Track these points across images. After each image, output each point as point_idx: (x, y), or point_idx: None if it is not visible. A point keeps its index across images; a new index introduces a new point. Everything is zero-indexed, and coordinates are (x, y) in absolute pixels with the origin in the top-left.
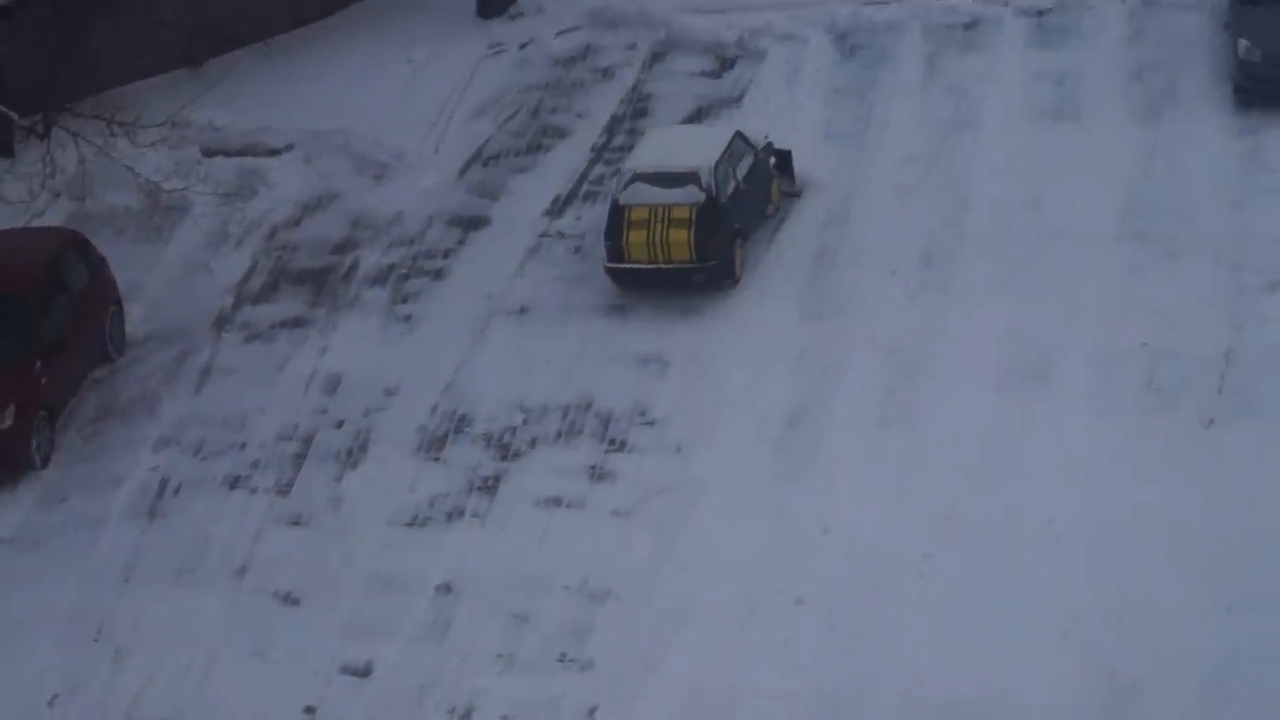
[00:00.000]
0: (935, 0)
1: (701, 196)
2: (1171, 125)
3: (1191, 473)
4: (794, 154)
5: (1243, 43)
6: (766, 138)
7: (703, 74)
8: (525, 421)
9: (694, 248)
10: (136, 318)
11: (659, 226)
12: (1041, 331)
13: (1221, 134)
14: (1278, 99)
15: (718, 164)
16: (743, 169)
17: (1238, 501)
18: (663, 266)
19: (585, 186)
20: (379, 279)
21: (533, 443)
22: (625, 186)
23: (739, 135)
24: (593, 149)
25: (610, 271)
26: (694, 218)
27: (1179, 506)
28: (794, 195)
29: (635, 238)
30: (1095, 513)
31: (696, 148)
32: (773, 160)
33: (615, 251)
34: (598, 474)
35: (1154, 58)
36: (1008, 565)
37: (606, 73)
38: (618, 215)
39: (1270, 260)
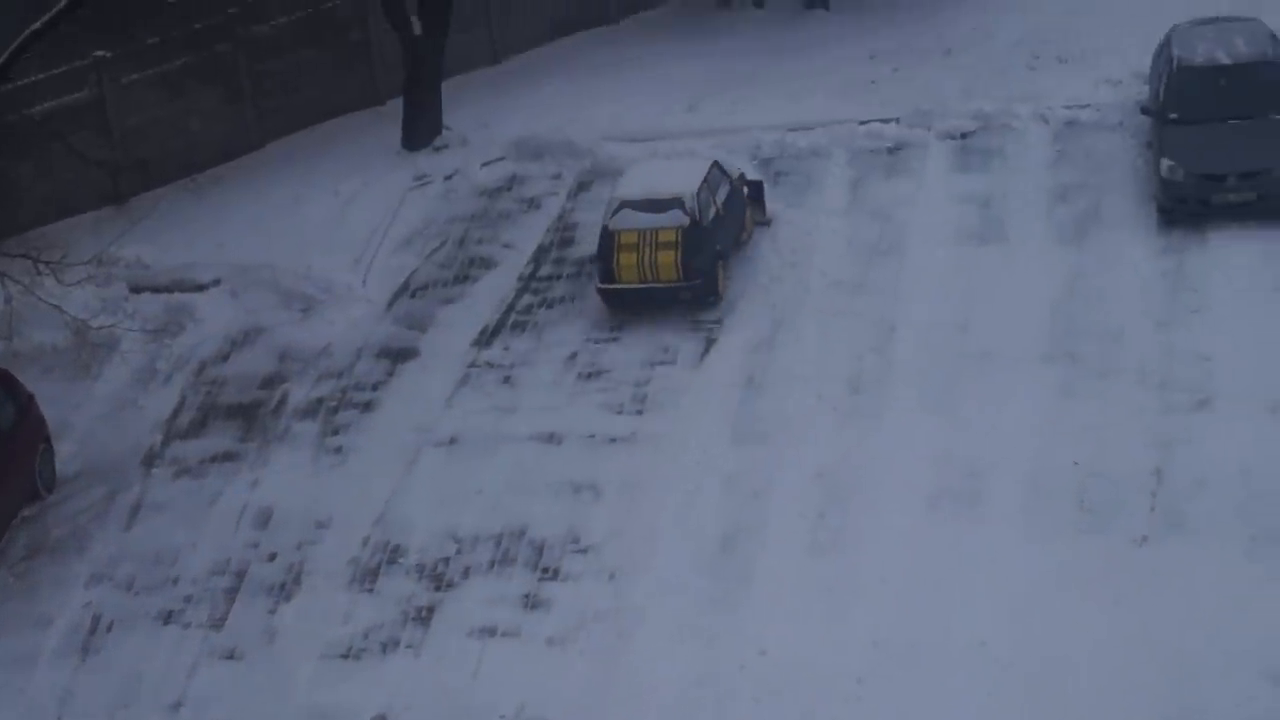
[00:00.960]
0: (859, 125)
1: (686, 220)
2: (1096, 245)
3: (1125, 591)
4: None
5: (1166, 163)
6: (740, 171)
7: None
8: (458, 551)
9: (681, 268)
10: (66, 455)
11: (648, 249)
12: (971, 453)
13: (1146, 254)
14: (1201, 219)
15: (699, 190)
16: (721, 196)
17: (1171, 619)
18: (652, 286)
19: (513, 317)
20: (309, 412)
21: (466, 572)
22: (614, 213)
23: (716, 165)
24: (520, 279)
25: (602, 292)
26: (680, 240)
27: (1113, 626)
28: (764, 224)
29: (625, 260)
30: (1029, 634)
31: (679, 176)
32: (745, 190)
33: (606, 273)
34: (532, 602)
35: (1078, 179)
36: (942, 687)
37: (532, 203)
38: (608, 240)
39: (1197, 379)
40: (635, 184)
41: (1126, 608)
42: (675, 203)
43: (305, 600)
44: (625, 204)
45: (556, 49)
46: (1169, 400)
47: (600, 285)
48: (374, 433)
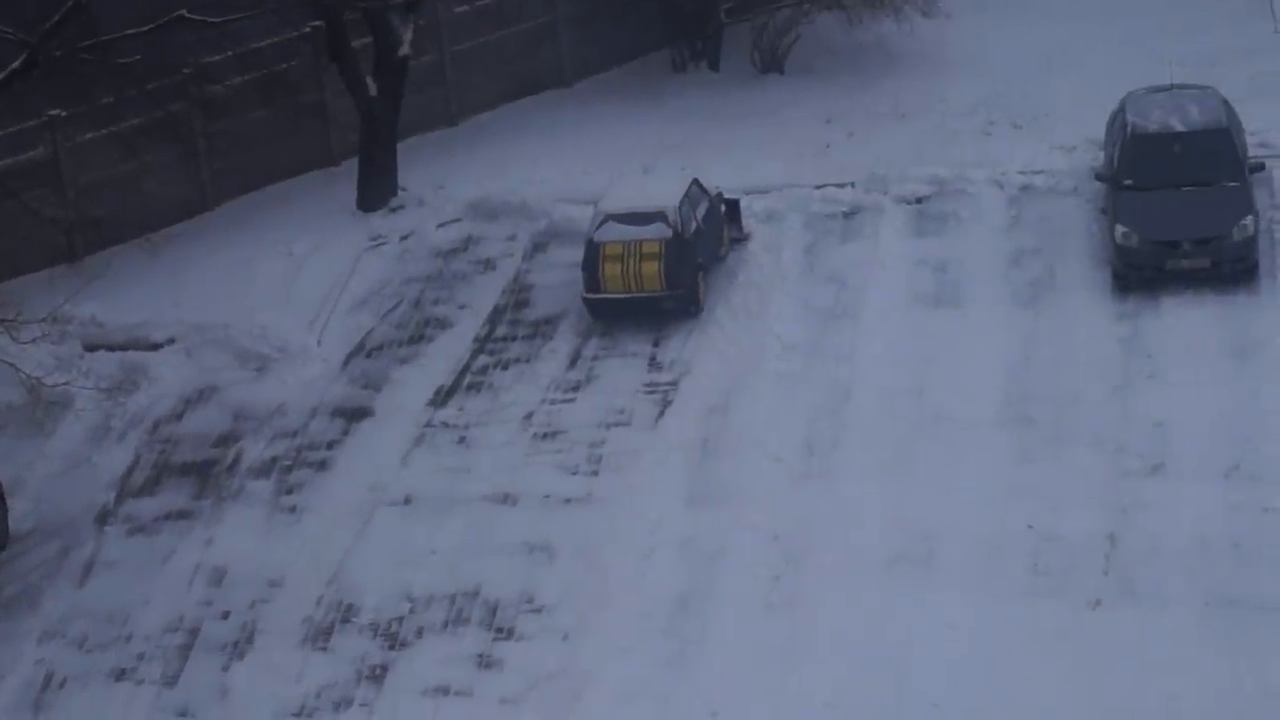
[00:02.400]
0: (814, 189)
1: (669, 232)
2: (1051, 310)
3: (1078, 655)
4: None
5: (1120, 228)
6: (717, 189)
7: None
8: (412, 610)
9: (664, 278)
10: (19, 513)
11: (632, 260)
12: (925, 516)
13: (1101, 319)
14: (1155, 284)
15: (681, 204)
16: (701, 211)
17: (1124, 683)
18: (636, 295)
19: (468, 377)
20: (263, 471)
21: (420, 632)
22: (599, 226)
23: (696, 181)
24: (475, 339)
25: (588, 301)
26: (663, 251)
27: (1066, 688)
28: (741, 240)
29: (610, 270)
30: (983, 696)
31: (660, 191)
32: (723, 208)
33: (592, 283)
34: (485, 662)
35: (1033, 244)
36: None
37: (488, 264)
38: (594, 251)
39: (1151, 444)
40: (619, 198)
41: (1079, 671)
42: (658, 216)
43: (258, 658)
44: (610, 217)
45: (512, 111)
46: (1123, 465)
47: (586, 295)
48: (328, 492)
